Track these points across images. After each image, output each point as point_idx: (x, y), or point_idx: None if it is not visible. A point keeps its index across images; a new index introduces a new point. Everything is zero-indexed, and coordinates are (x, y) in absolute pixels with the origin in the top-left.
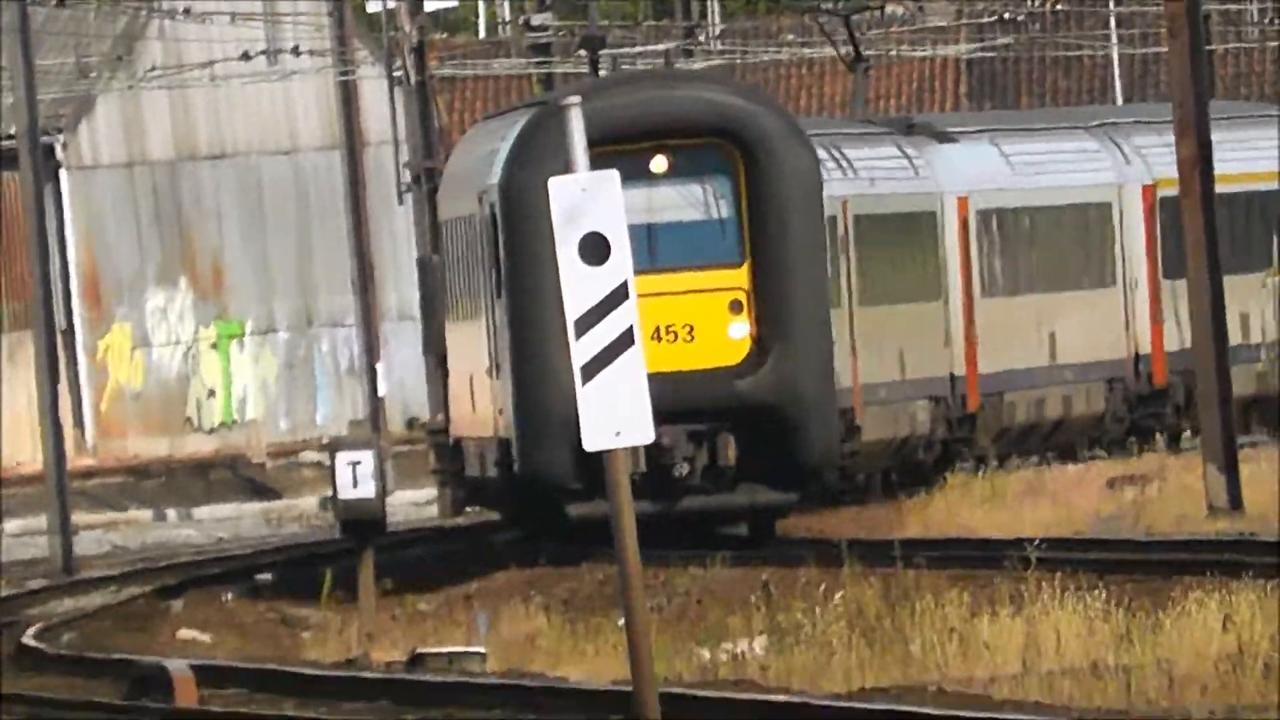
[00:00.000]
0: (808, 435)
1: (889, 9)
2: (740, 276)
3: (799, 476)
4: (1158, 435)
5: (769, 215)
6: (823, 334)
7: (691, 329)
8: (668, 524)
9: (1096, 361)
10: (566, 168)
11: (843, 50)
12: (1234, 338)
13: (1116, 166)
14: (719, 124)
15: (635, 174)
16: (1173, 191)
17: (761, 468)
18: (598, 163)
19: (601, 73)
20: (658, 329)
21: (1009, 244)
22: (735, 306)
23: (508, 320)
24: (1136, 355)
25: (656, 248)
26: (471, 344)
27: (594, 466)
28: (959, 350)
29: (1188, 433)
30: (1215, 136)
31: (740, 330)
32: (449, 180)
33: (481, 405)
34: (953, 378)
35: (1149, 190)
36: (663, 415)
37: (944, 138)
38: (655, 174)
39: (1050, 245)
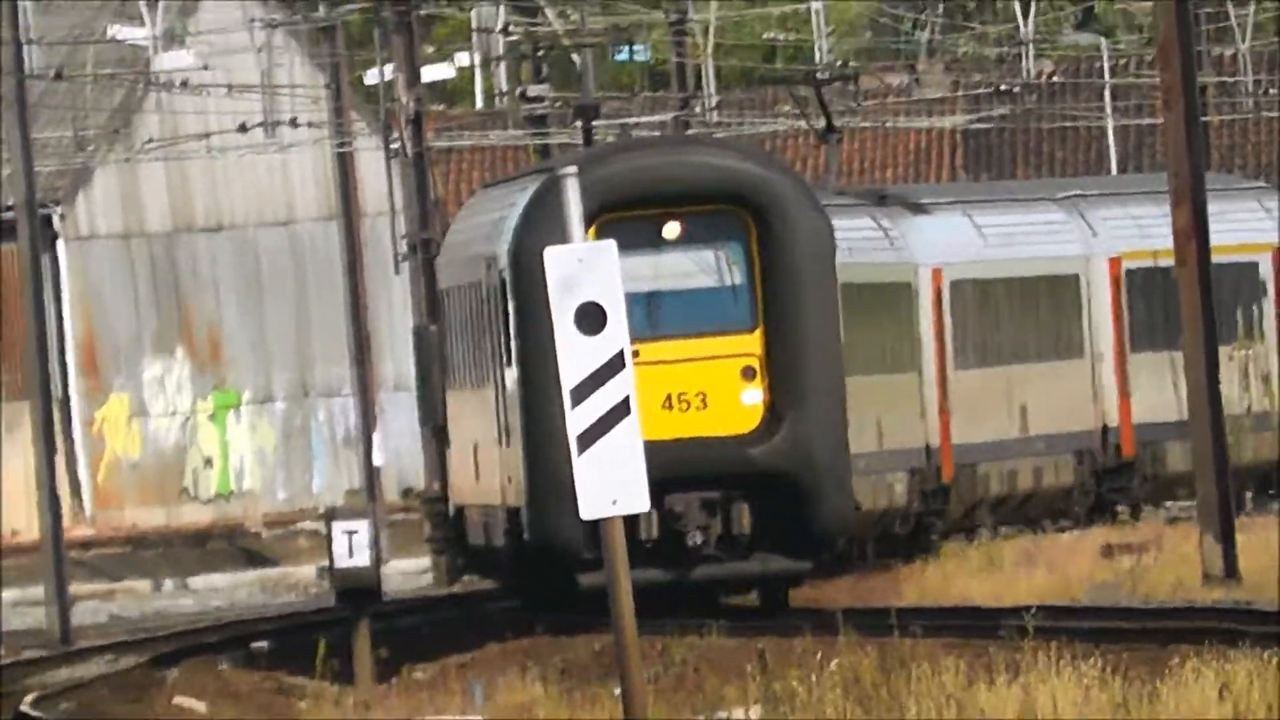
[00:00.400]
0: (822, 503)
1: (887, 79)
2: (753, 342)
3: (813, 544)
4: (1124, 507)
5: (782, 281)
6: (837, 400)
7: (704, 396)
8: (680, 592)
9: (1066, 433)
10: (557, 236)
11: (818, 121)
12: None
13: (1083, 239)
14: (731, 189)
15: (647, 240)
16: (1138, 264)
17: (775, 536)
18: (610, 228)
19: (596, 141)
20: (669, 396)
21: (981, 315)
22: (748, 373)
23: (519, 388)
24: (1105, 427)
25: (668, 314)
26: (477, 412)
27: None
28: (933, 421)
29: (1150, 505)
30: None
31: (753, 397)
32: (451, 249)
33: (487, 473)
34: (928, 449)
35: (1115, 263)
36: (675, 483)
37: (917, 209)
38: (667, 240)
39: (1020, 317)
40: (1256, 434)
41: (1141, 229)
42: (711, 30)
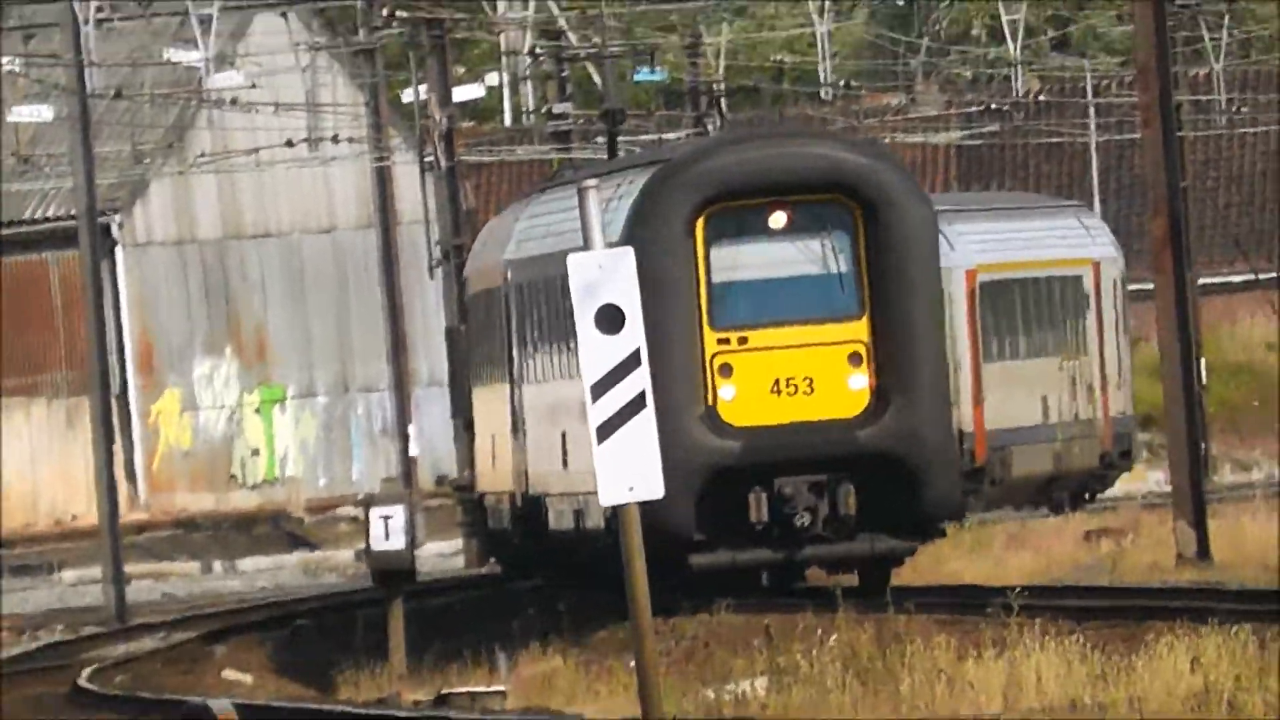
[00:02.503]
0: (928, 484)
1: (885, 99)
2: (859, 329)
3: (920, 525)
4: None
5: (887, 268)
6: (941, 384)
7: (811, 381)
8: (791, 572)
9: None
10: (681, 222)
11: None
12: (1034, 418)
13: (942, 252)
14: (838, 179)
15: (755, 229)
16: (992, 276)
17: (881, 517)
18: (719, 219)
19: (620, 153)
20: (777, 381)
21: None
22: (855, 359)
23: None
24: (960, 434)
25: (776, 301)
26: (495, 406)
27: (713, 518)
28: None
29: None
30: (1018, 224)
31: (860, 382)
32: (477, 258)
33: (502, 463)
34: None
35: (970, 275)
36: (784, 466)
37: None
38: (774, 229)
39: None
40: (1082, 440)
41: (995, 243)
42: (723, 52)
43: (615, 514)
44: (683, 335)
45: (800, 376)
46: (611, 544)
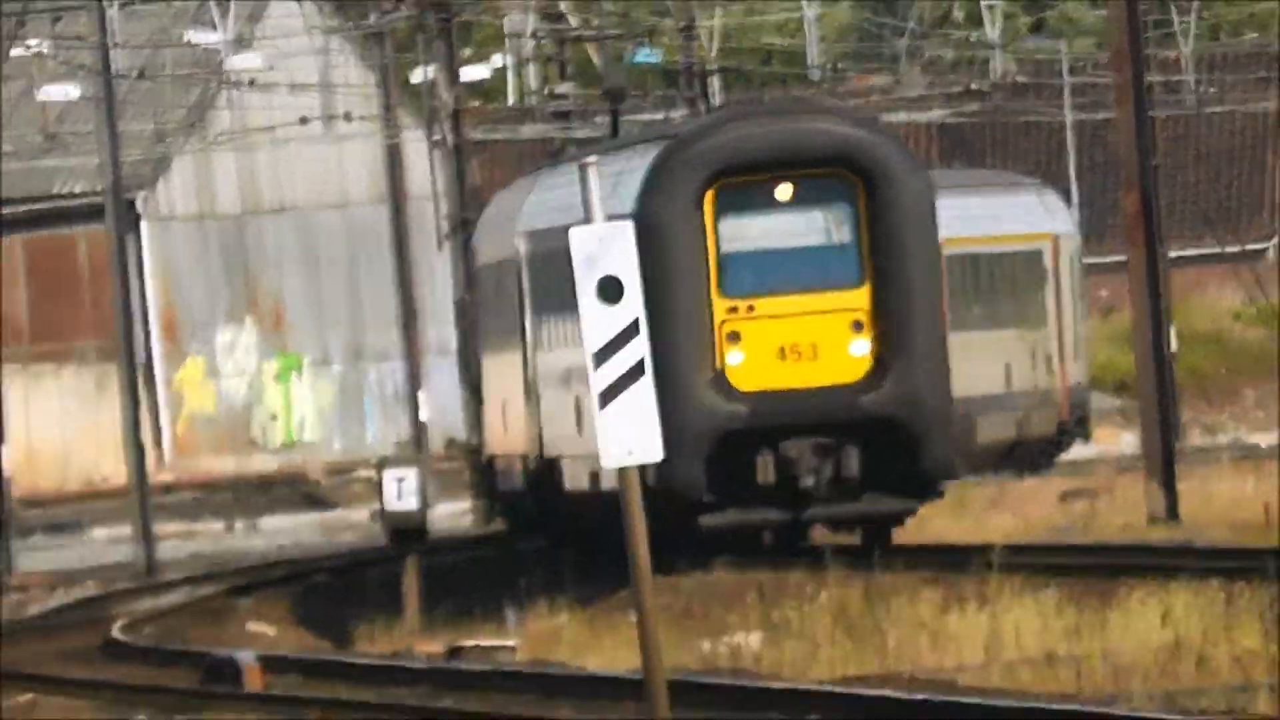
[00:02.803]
0: (928, 446)
1: (870, 80)
2: (861, 298)
3: (920, 485)
4: None
5: (888, 239)
6: (939, 350)
7: (815, 347)
8: (795, 532)
9: None
10: (691, 195)
11: None
12: (997, 387)
13: None
14: (841, 153)
15: (761, 202)
16: (957, 250)
17: (883, 478)
18: (727, 192)
19: (621, 131)
20: (783, 348)
21: None
22: (857, 326)
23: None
24: None
25: (781, 271)
26: (509, 372)
27: (721, 479)
28: None
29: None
30: (981, 201)
31: (862, 348)
32: (486, 230)
33: (515, 426)
34: None
35: None
36: (789, 429)
37: None
38: (780, 201)
39: None
40: (1041, 409)
41: (959, 219)
42: (716, 35)
43: (592, 478)
44: (693, 303)
45: (805, 343)
46: (598, 503)
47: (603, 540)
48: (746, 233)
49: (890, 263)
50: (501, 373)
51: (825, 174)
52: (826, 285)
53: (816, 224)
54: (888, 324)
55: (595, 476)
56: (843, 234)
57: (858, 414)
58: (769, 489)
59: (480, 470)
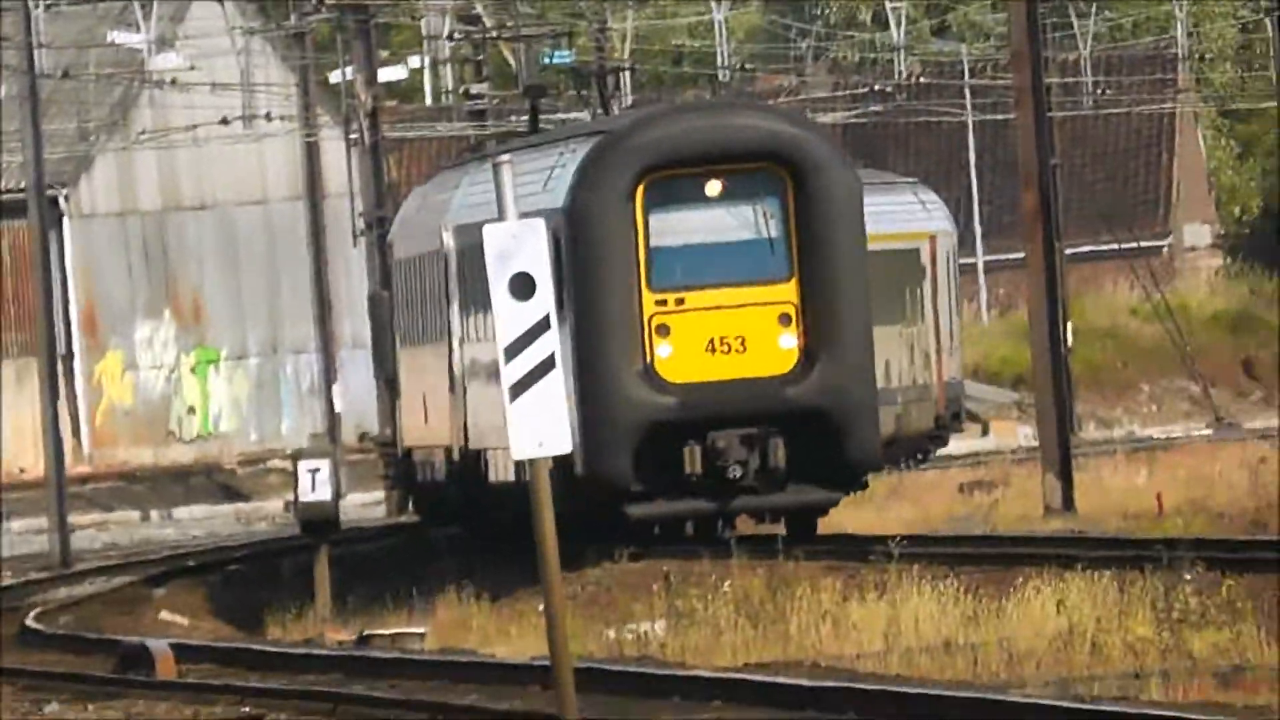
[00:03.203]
0: (853, 438)
1: (778, 81)
2: (789, 291)
3: (845, 476)
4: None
5: (816, 234)
6: (865, 344)
7: (744, 340)
8: (724, 521)
9: None
10: (622, 190)
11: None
12: (878, 383)
13: None
14: (770, 148)
15: (691, 196)
16: None
17: (809, 469)
18: (657, 186)
19: (542, 122)
20: (712, 340)
21: None
22: (784, 319)
23: (573, 334)
24: None
25: (711, 265)
26: (431, 365)
27: (650, 470)
28: None
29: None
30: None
31: (789, 341)
32: (407, 225)
33: (436, 419)
34: None
35: None
36: (717, 420)
37: None
38: (710, 196)
39: None
40: (919, 404)
41: None
42: (629, 37)
43: (554, 469)
44: (622, 296)
45: (733, 336)
46: (554, 496)
47: (527, 531)
48: (676, 227)
49: (818, 257)
50: (422, 366)
51: (754, 169)
52: (755, 279)
53: (745, 218)
54: (815, 317)
55: (521, 468)
56: (771, 228)
57: (785, 406)
58: (697, 480)
59: (397, 462)
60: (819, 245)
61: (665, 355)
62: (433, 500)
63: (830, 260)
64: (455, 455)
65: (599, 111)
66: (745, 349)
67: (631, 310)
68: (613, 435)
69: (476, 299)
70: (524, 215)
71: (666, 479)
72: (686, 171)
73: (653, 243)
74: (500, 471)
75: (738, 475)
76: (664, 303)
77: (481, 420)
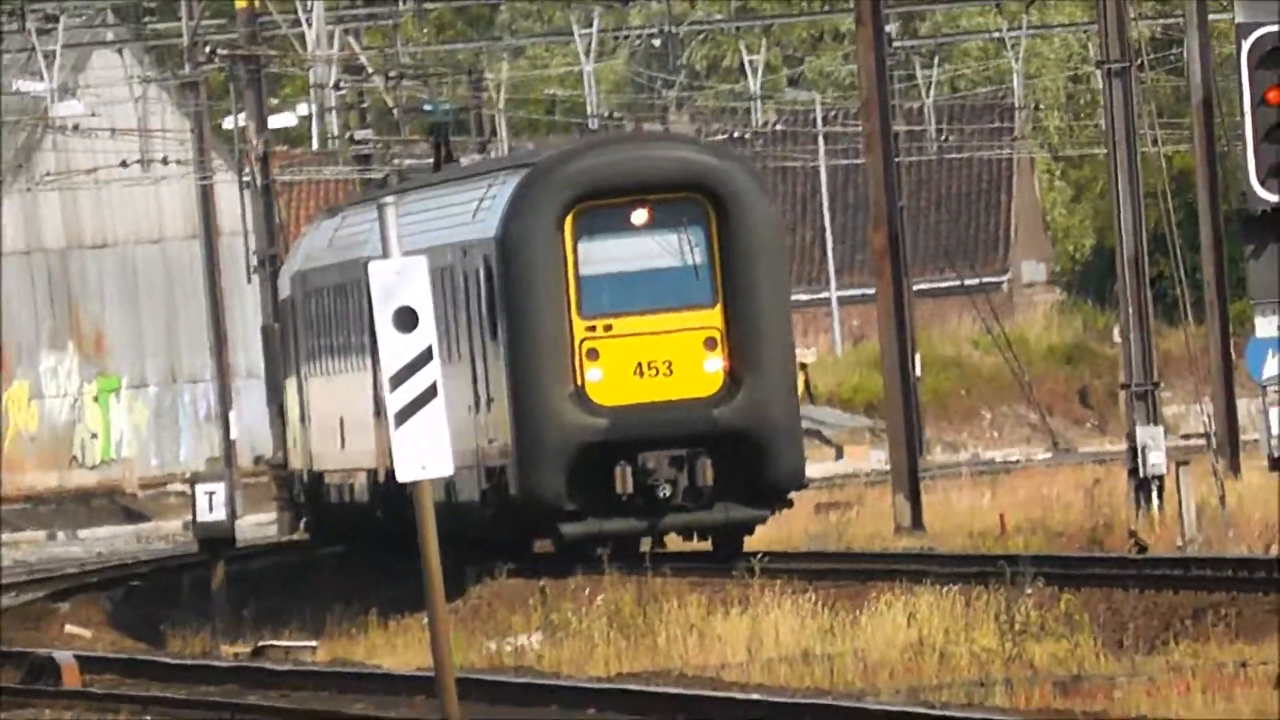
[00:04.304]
0: (777, 457)
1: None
2: (714, 317)
3: (770, 495)
4: None
5: (739, 261)
6: (788, 367)
7: (670, 364)
8: (653, 539)
9: None
10: (552, 219)
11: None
12: None
13: None
14: (694, 179)
15: (619, 225)
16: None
17: (736, 488)
18: (585, 216)
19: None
20: (640, 365)
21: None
22: (710, 343)
23: (507, 359)
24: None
25: (638, 292)
26: (354, 391)
27: (582, 490)
28: None
29: None
30: None
31: (714, 365)
32: (329, 253)
33: (357, 444)
34: None
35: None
36: (646, 442)
37: None
38: (636, 225)
39: None
40: None
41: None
42: (503, 86)
43: (489, 489)
44: (553, 323)
45: (661, 360)
46: (488, 515)
47: (459, 548)
48: (604, 255)
49: (741, 283)
50: (338, 392)
51: (678, 198)
52: (681, 305)
53: (671, 246)
54: (739, 341)
55: (450, 489)
56: (696, 255)
57: (711, 427)
58: (627, 499)
59: (301, 484)
60: (742, 272)
61: (596, 379)
62: (347, 521)
63: (753, 286)
64: (380, 478)
65: (479, 156)
66: (672, 372)
67: (562, 336)
68: (546, 456)
69: None
70: (454, 245)
71: (598, 498)
72: (614, 201)
73: (582, 270)
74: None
75: (667, 494)
76: (594, 328)
77: None
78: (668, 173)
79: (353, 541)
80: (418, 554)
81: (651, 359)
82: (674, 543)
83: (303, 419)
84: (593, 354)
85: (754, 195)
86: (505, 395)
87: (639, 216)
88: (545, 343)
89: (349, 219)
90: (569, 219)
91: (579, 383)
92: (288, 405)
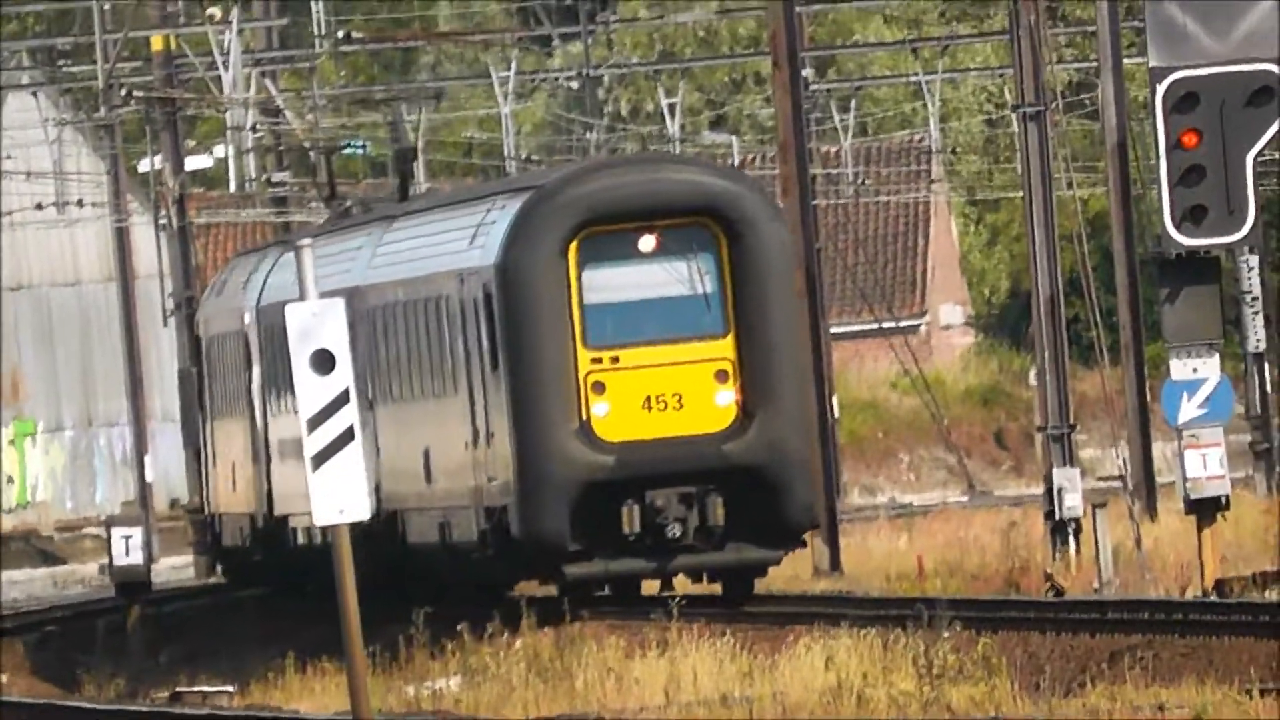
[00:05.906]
0: (791, 495)
1: None
2: (725, 347)
3: (784, 534)
4: None
5: (751, 289)
6: (802, 399)
7: (680, 397)
8: (661, 581)
9: None
10: (555, 245)
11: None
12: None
13: None
14: (703, 204)
15: (626, 252)
16: None
17: (748, 527)
18: (591, 242)
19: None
20: (648, 398)
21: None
22: (721, 375)
23: (508, 391)
24: None
25: (646, 322)
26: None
27: (587, 529)
28: None
29: None
30: None
31: (726, 398)
32: (267, 288)
33: (243, 486)
34: None
35: None
36: (655, 479)
37: None
38: (644, 252)
39: None
40: None
41: None
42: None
43: (488, 529)
44: (557, 354)
45: (670, 393)
46: (488, 556)
47: (418, 588)
48: (610, 283)
49: (754, 312)
50: (232, 436)
51: (688, 224)
52: (691, 335)
53: (680, 274)
54: (751, 373)
55: (426, 530)
56: (706, 284)
57: (723, 463)
58: (635, 539)
59: (206, 527)
60: (754, 300)
61: (602, 413)
62: (237, 563)
63: (766, 315)
64: (259, 521)
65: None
66: (682, 406)
67: (566, 368)
68: (549, 494)
69: (278, 375)
70: (448, 273)
71: (604, 538)
72: (620, 227)
73: (587, 299)
74: (304, 536)
75: (676, 534)
76: (599, 360)
77: (287, 487)
78: (677, 197)
79: (252, 584)
80: (302, 595)
81: (660, 392)
82: (681, 584)
83: (211, 462)
84: (599, 387)
85: (767, 220)
86: (506, 430)
87: (647, 243)
88: (548, 375)
89: (264, 262)
90: (573, 245)
91: (584, 417)
92: (204, 448)
